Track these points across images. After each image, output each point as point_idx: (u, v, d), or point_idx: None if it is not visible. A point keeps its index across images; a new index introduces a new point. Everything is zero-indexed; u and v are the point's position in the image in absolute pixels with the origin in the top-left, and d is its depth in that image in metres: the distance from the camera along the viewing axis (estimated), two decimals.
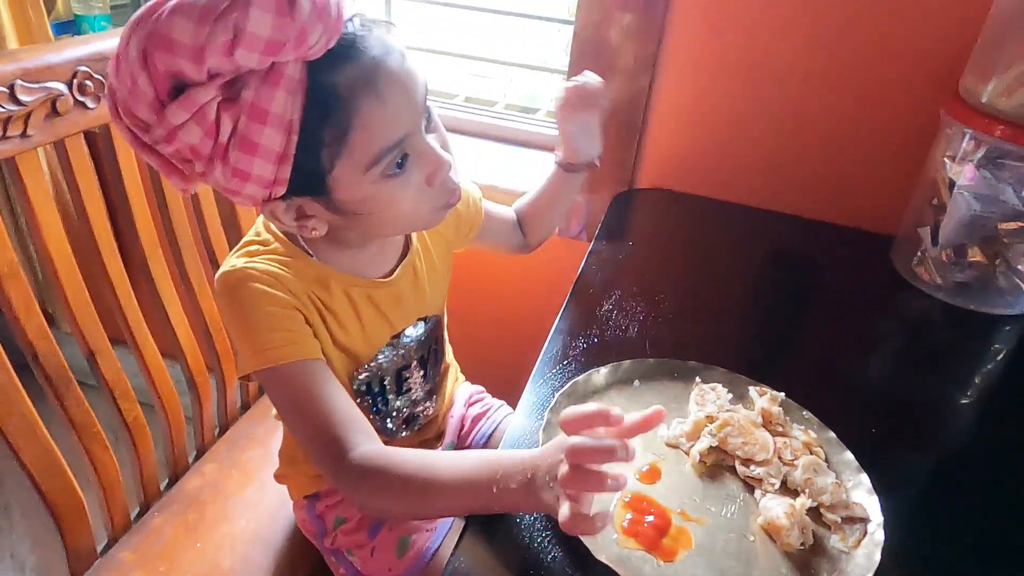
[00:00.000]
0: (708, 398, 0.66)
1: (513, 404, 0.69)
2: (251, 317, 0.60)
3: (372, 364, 0.72)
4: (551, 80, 1.36)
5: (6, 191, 1.35)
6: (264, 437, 1.05)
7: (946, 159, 0.85)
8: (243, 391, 1.09)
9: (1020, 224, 0.82)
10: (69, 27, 1.34)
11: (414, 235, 0.75)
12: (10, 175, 0.69)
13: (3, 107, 0.65)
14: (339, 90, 0.52)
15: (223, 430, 1.05)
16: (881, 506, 0.56)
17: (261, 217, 0.67)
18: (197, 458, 1.00)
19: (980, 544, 0.58)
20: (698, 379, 0.69)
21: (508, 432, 0.64)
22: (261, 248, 0.65)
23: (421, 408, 0.81)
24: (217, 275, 0.63)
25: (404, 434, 0.81)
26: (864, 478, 0.59)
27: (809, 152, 1.03)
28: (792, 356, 0.81)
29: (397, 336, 0.74)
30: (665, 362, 0.71)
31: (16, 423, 0.71)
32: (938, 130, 0.88)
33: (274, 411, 0.81)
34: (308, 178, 0.55)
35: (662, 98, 1.05)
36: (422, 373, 0.79)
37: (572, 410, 0.49)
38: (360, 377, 0.72)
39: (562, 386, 0.67)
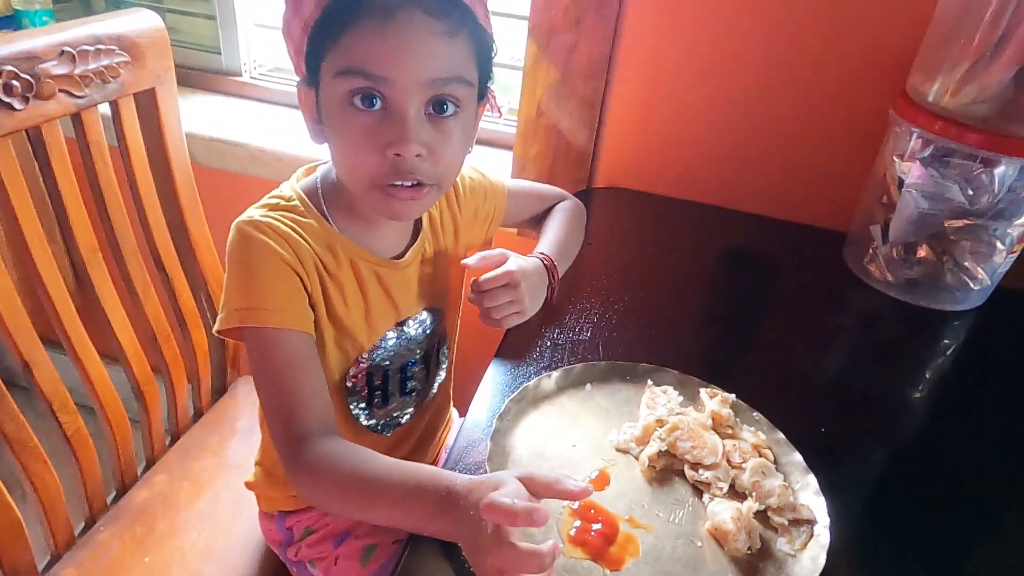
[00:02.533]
0: (659, 401, 0.65)
1: (465, 409, 0.68)
2: (250, 271, 0.61)
3: (376, 351, 0.71)
4: (511, 76, 1.34)
5: None
6: (218, 446, 1.02)
7: (895, 157, 0.86)
8: (195, 397, 1.06)
9: (966, 221, 0.83)
10: (9, 22, 1.29)
11: (424, 220, 0.73)
12: None
13: None
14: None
15: (174, 439, 1.02)
16: (828, 508, 0.56)
17: (299, 171, 0.70)
18: (146, 469, 0.97)
19: (926, 543, 0.59)
20: (649, 382, 0.68)
21: (458, 439, 0.63)
22: (282, 203, 0.66)
23: (409, 411, 0.79)
24: (233, 223, 0.63)
25: (387, 433, 0.78)
26: (812, 479, 0.59)
27: (763, 150, 1.03)
28: (745, 355, 0.82)
29: (402, 324, 0.72)
30: (617, 365, 0.70)
31: None
32: (887, 129, 0.88)
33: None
34: (311, 61, 0.59)
35: (617, 97, 1.05)
36: (425, 373, 0.78)
37: (499, 503, 0.46)
38: (361, 364, 0.71)
39: (512, 391, 0.66)
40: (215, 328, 0.63)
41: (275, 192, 0.68)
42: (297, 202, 0.66)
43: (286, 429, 0.59)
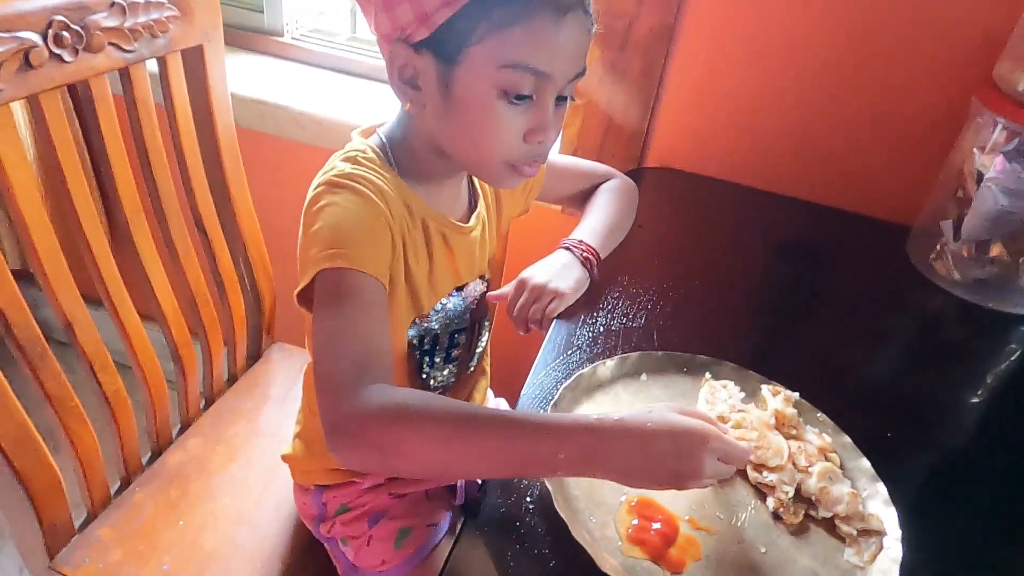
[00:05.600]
0: (719, 396, 0.63)
1: (514, 397, 0.66)
2: (344, 217, 0.58)
3: (434, 315, 0.70)
4: None
5: None
6: (251, 411, 1.02)
7: (975, 150, 0.81)
8: (230, 362, 1.06)
9: None
10: None
11: (479, 186, 0.74)
12: None
13: None
14: None
15: (209, 403, 1.02)
16: (899, 519, 0.54)
17: (354, 133, 0.68)
18: (181, 432, 0.97)
19: (1003, 561, 0.56)
20: (708, 375, 0.66)
21: None
22: (362, 157, 0.63)
23: (451, 380, 0.78)
24: (321, 177, 0.61)
25: None
26: (881, 487, 0.56)
27: (827, 135, 0.98)
28: (801, 351, 0.78)
29: (460, 289, 0.72)
30: (674, 355, 0.68)
31: None
32: (967, 118, 0.83)
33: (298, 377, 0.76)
34: (452, 37, 0.55)
35: (676, 74, 1.00)
36: (469, 341, 0.78)
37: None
38: (419, 327, 0.70)
39: (565, 378, 0.63)
40: (296, 290, 0.58)
41: (348, 149, 0.65)
42: (373, 155, 0.64)
43: (350, 376, 0.50)
